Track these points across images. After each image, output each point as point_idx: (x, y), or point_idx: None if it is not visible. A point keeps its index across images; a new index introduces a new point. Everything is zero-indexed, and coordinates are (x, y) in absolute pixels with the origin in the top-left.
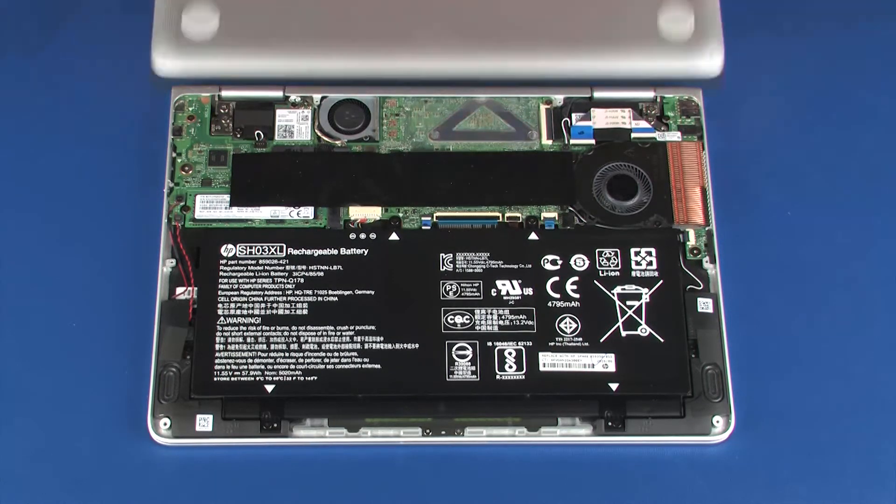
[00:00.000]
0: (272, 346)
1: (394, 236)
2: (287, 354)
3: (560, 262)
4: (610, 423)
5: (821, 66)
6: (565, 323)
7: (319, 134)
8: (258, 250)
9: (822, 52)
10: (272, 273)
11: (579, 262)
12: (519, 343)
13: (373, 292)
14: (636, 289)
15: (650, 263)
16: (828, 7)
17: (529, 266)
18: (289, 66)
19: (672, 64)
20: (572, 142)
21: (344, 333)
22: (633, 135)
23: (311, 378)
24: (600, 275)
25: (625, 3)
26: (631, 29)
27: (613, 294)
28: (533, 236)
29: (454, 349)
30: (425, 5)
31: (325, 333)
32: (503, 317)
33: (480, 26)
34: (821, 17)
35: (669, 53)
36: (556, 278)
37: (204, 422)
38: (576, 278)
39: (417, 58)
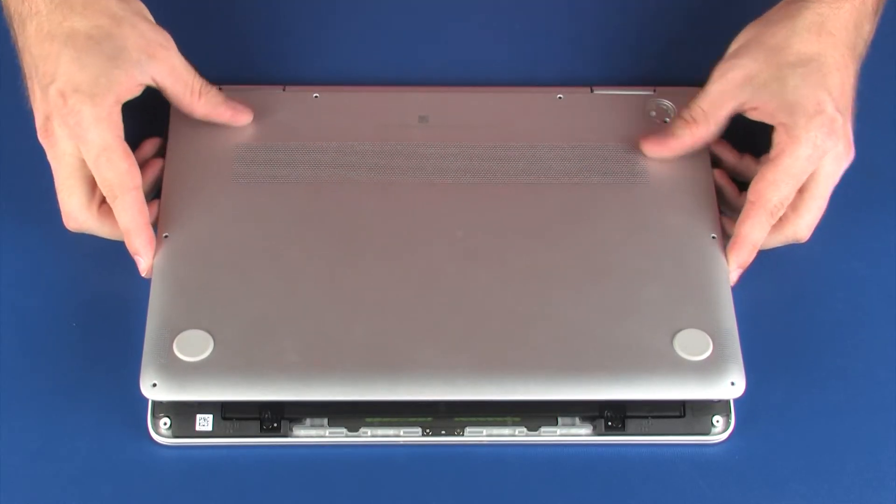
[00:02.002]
0: None
1: None
2: None
3: None
4: (610, 423)
5: None
6: None
7: None
8: None
9: None
10: None
11: None
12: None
13: None
14: None
15: None
16: None
17: None
18: None
19: None
20: None
21: None
22: None
23: None
24: None
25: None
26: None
27: None
28: None
29: None
30: (426, 323)
31: None
32: None
33: (485, 351)
34: None
35: None
36: None
37: (204, 422)
38: None
39: (420, 382)
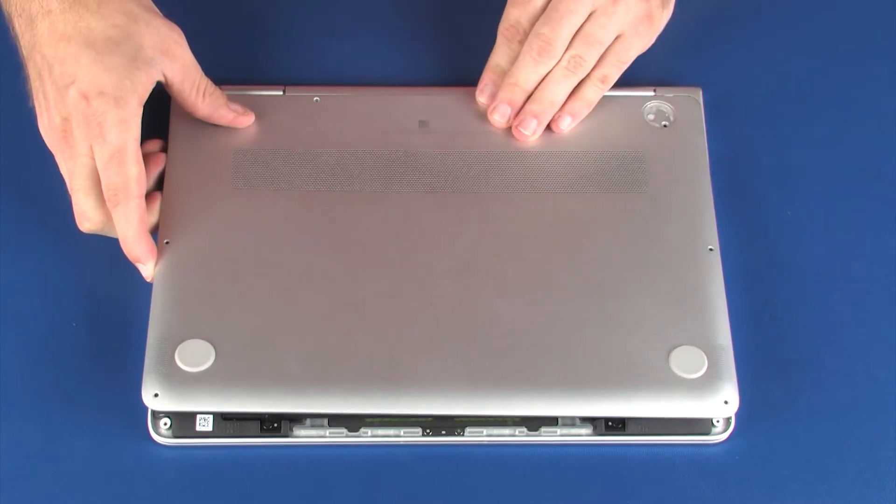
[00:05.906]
0: None
1: None
2: None
3: None
4: (610, 423)
5: (819, 67)
6: None
7: None
8: None
9: (820, 51)
10: None
11: None
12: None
13: None
14: None
15: None
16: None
17: None
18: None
19: None
20: None
21: None
22: None
23: None
24: None
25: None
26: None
27: None
28: None
29: None
30: (425, 337)
31: None
32: None
33: (485, 367)
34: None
35: None
36: None
37: (204, 422)
38: None
39: (419, 396)
